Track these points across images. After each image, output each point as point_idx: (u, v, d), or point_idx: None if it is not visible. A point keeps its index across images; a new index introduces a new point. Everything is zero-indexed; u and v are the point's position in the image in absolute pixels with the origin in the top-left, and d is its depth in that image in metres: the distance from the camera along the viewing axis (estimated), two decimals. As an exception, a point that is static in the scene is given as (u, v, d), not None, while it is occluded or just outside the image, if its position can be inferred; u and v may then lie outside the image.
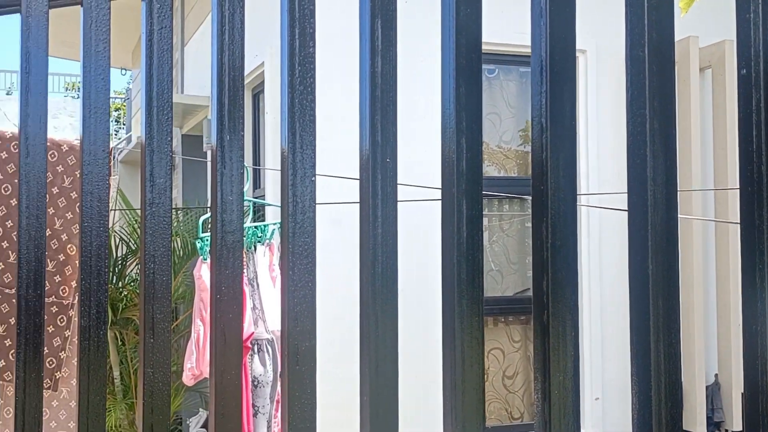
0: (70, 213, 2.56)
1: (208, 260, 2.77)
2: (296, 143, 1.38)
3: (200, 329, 2.75)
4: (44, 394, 2.59)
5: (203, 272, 2.74)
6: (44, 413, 2.61)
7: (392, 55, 1.31)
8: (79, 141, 2.36)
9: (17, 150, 2.55)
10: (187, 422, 7.34)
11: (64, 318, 2.54)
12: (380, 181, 1.31)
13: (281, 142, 1.41)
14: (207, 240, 2.80)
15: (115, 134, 18.65)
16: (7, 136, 2.55)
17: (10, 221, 2.49)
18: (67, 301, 2.55)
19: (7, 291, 2.49)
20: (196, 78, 7.40)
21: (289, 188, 1.38)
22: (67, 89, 22.30)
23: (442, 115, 1.29)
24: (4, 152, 2.49)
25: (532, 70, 1.28)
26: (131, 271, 6.19)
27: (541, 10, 1.26)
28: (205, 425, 7.12)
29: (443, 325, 1.27)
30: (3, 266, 2.48)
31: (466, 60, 1.25)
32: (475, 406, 1.25)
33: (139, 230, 5.97)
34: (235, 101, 1.45)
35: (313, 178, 1.39)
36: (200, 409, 7.38)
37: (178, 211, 6.39)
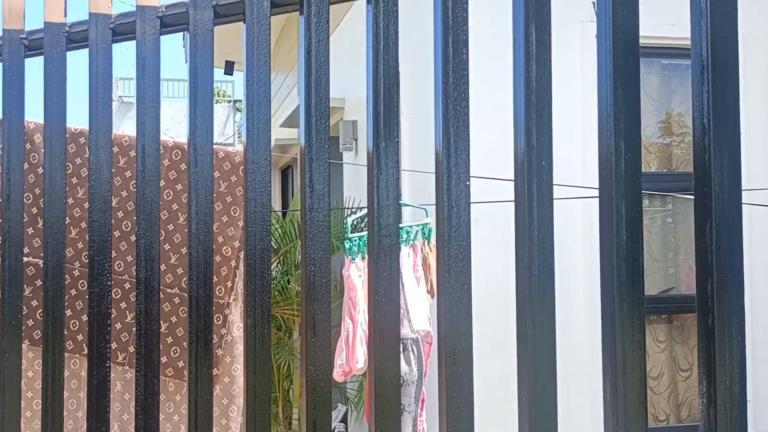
0: (225, 216, 2.69)
1: (356, 260, 2.86)
2: (450, 148, 1.41)
3: (349, 327, 2.84)
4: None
5: (352, 272, 2.82)
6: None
7: (547, 59, 1.31)
8: (239, 149, 2.47)
9: (177, 157, 2.72)
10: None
11: (220, 317, 2.68)
12: (536, 184, 1.32)
13: (435, 147, 1.44)
14: (355, 240, 2.88)
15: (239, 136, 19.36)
16: (169, 145, 2.71)
17: (171, 225, 2.65)
18: (223, 301, 2.68)
19: (168, 291, 2.65)
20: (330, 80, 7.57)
21: (444, 192, 1.41)
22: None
23: (599, 117, 1.28)
24: (166, 160, 2.66)
25: (692, 70, 1.25)
26: (272, 269, 6.41)
27: (701, 10, 1.23)
28: (343, 419, 7.27)
29: (603, 329, 1.26)
30: (165, 267, 2.64)
31: (623, 62, 1.25)
32: (637, 410, 1.24)
33: (279, 230, 6.18)
34: (390, 109, 1.50)
35: (467, 182, 1.41)
36: (338, 404, 7.55)
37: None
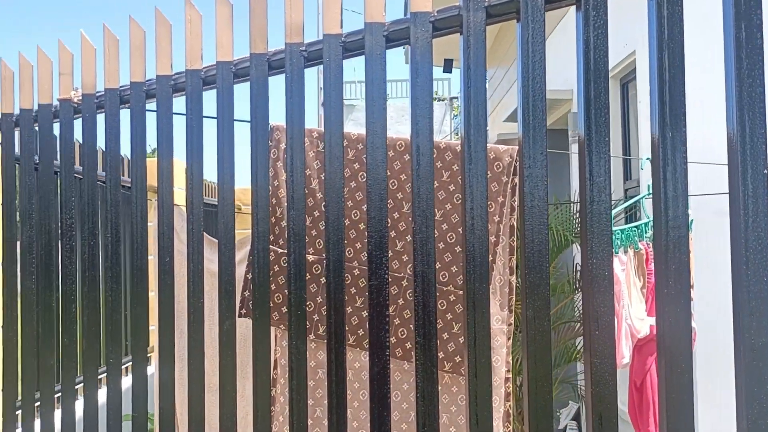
0: (449, 204, 2.76)
1: (619, 254, 2.81)
2: (746, 136, 1.36)
3: (613, 323, 2.80)
4: (443, 378, 2.82)
5: (615, 265, 2.78)
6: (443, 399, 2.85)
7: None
8: (456, 141, 2.52)
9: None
10: (557, 413, 7.43)
11: (460, 306, 2.74)
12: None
13: (728, 134, 1.39)
14: (618, 234, 2.84)
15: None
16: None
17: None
18: (447, 288, 2.75)
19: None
20: (558, 72, 7.47)
21: (740, 182, 1.36)
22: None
23: None
24: (395, 158, 2.77)
25: None
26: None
27: None
28: (575, 417, 7.14)
29: None
30: (392, 254, 2.75)
31: None
32: None
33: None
34: (675, 98, 1.46)
35: (765, 171, 1.35)
36: (570, 402, 7.42)
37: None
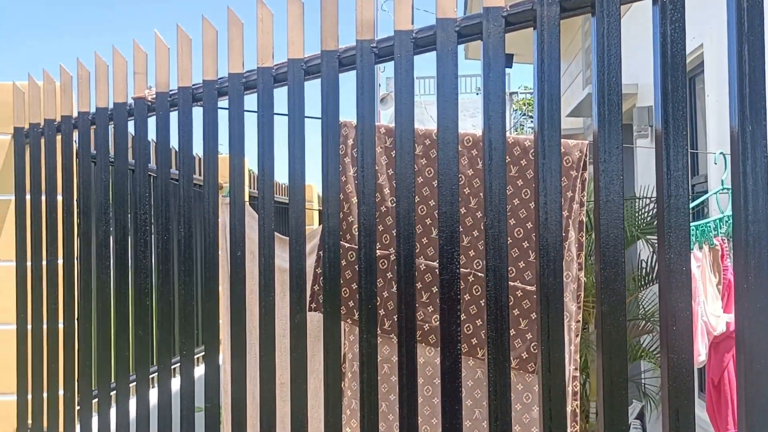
0: (516, 200, 2.75)
1: (694, 250, 2.77)
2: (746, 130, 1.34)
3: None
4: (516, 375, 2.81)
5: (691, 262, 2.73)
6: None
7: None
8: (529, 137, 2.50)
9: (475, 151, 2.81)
10: (621, 412, 7.32)
11: (529, 302, 2.73)
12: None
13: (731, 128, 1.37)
14: (693, 230, 2.79)
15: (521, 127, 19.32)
16: (476, 138, 2.81)
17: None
18: (514, 284, 2.74)
19: (462, 270, 2.78)
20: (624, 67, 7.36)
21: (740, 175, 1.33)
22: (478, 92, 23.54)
23: None
24: (462, 153, 2.78)
25: None
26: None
27: None
28: (639, 416, 7.03)
29: None
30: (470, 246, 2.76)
31: None
32: None
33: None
34: (755, 91, 1.44)
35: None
36: (633, 400, 7.31)
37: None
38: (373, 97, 2.12)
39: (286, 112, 2.28)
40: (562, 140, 2.69)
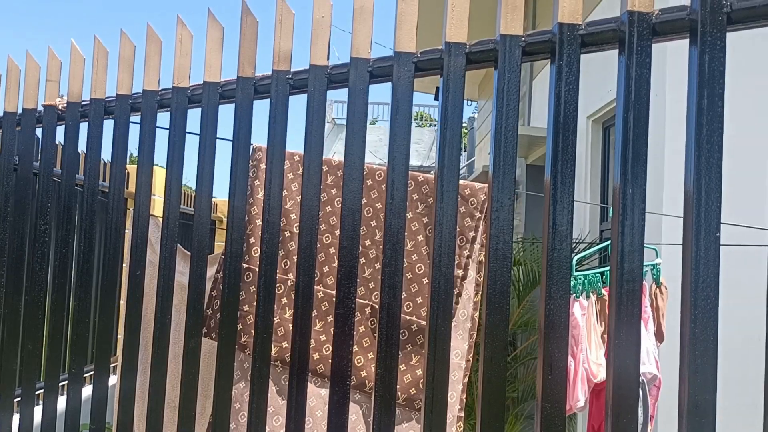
0: (420, 236, 2.81)
1: (581, 298, 2.87)
2: (702, 199, 1.42)
3: (570, 365, 2.84)
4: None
5: (575, 310, 2.83)
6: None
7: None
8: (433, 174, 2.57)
9: (375, 180, 2.86)
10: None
11: (422, 337, 2.77)
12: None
13: (685, 195, 1.45)
14: (580, 279, 2.89)
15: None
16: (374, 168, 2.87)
17: (368, 240, 2.79)
18: (410, 318, 2.79)
19: (360, 302, 2.80)
20: (543, 110, 7.58)
21: (693, 242, 1.41)
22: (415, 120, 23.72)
23: None
24: (373, 186, 2.83)
25: None
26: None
27: None
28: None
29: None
30: (359, 280, 2.79)
31: None
32: None
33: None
34: (638, 155, 1.52)
35: (717, 234, 1.41)
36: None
37: (523, 241, 6.56)
38: (285, 125, 2.14)
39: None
40: (470, 182, 2.77)
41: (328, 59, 2.05)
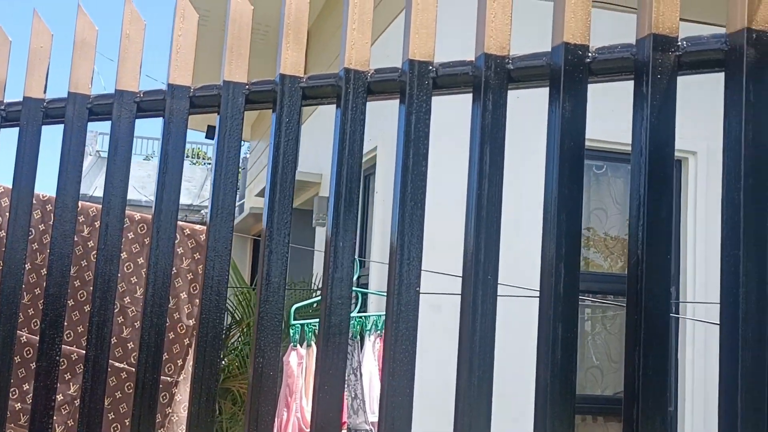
0: (184, 293, 2.70)
1: (298, 347, 2.87)
2: (404, 255, 1.47)
3: (284, 415, 2.82)
4: None
5: (292, 359, 2.82)
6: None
7: (498, 179, 1.38)
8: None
9: (143, 231, 2.74)
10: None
11: (167, 395, 2.65)
12: (480, 298, 1.37)
13: (390, 251, 1.49)
14: (297, 327, 2.90)
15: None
16: (136, 219, 2.73)
17: (128, 298, 2.65)
18: (171, 379, 2.66)
19: (116, 365, 2.63)
20: (309, 155, 7.68)
21: (395, 297, 1.46)
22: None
23: (543, 219, 1.35)
24: (131, 233, 2.68)
25: (631, 173, 1.33)
26: (233, 341, 6.36)
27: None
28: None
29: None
30: (116, 341, 2.63)
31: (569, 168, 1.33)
32: None
33: (243, 304, 6.16)
34: (350, 205, 1.55)
35: (417, 289, 1.46)
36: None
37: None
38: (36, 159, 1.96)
39: None
40: (191, 224, 2.71)
41: (45, 92, 1.92)
